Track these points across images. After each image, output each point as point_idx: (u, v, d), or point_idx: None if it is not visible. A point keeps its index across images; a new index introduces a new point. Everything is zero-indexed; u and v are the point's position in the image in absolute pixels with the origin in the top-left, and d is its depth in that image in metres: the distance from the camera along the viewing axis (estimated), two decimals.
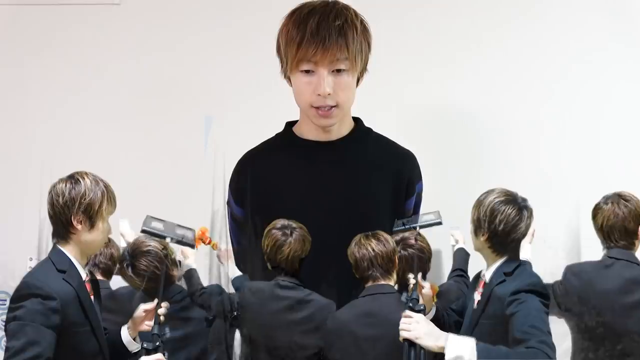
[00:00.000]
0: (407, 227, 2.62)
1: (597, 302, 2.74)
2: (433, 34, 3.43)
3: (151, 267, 2.72)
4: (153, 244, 2.72)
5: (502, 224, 2.50)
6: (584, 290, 2.77)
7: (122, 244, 2.94)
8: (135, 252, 2.77)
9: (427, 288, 2.53)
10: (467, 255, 3.06)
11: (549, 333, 2.36)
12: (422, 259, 2.78)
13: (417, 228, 2.62)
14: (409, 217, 2.76)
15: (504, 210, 2.50)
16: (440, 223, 2.61)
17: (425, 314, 2.38)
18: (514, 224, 2.51)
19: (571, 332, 2.82)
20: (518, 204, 2.53)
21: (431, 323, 2.35)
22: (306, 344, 2.62)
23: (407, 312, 2.35)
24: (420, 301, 2.44)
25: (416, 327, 2.31)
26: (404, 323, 2.33)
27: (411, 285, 2.43)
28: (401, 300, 2.42)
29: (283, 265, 2.65)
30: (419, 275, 2.49)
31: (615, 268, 2.76)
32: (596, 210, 2.83)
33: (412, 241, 2.71)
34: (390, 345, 2.48)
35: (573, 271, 2.82)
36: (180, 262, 2.81)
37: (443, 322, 2.59)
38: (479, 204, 2.55)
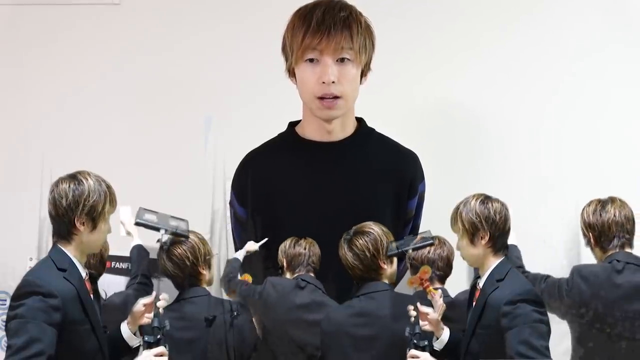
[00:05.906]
0: (400, 250, 2.61)
1: (606, 306, 2.73)
2: (435, 33, 3.43)
3: (182, 256, 2.76)
4: (195, 239, 2.77)
5: (498, 215, 2.50)
6: (592, 294, 2.75)
7: (121, 233, 2.93)
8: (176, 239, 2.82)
9: (431, 313, 2.49)
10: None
11: (547, 349, 2.35)
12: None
13: (410, 251, 2.63)
14: (402, 240, 2.72)
15: (491, 204, 2.51)
16: (432, 244, 2.67)
17: (430, 346, 2.38)
18: (505, 214, 2.53)
19: (572, 334, 2.81)
20: (494, 198, 2.55)
21: None
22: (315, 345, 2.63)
23: (412, 352, 2.35)
24: (426, 327, 2.44)
25: None
26: None
27: (412, 319, 2.40)
28: (405, 335, 2.39)
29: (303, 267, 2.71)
30: (418, 303, 2.47)
31: (627, 272, 2.74)
32: (597, 216, 2.83)
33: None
34: (388, 344, 2.49)
35: (581, 274, 2.79)
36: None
37: (458, 343, 2.55)
38: (462, 213, 2.52)
